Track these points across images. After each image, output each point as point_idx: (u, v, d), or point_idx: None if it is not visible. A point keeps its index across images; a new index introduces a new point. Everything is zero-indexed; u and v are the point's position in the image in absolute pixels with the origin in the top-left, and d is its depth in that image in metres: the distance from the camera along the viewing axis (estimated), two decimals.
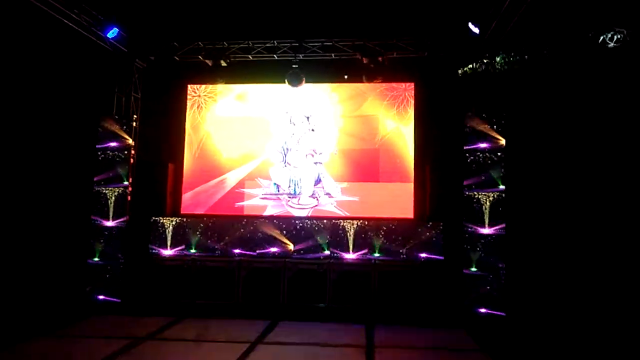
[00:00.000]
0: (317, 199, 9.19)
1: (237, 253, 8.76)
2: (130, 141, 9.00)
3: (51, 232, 9.03)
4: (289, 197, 9.27)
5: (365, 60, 8.68)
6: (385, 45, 8.68)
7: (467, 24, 7.81)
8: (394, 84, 9.25)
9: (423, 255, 8.38)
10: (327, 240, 8.58)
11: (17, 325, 7.02)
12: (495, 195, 8.01)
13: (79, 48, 8.63)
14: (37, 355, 6.02)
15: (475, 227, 8.03)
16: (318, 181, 9.22)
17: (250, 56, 9.15)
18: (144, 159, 9.32)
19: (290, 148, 9.39)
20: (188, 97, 9.75)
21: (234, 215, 9.18)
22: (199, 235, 8.86)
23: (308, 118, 9.42)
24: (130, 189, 8.93)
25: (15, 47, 8.38)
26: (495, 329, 7.39)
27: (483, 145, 8.16)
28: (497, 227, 7.95)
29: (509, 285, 7.87)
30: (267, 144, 9.46)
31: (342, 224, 8.64)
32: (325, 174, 9.23)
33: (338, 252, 8.55)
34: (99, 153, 8.91)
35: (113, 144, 8.94)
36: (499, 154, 8.10)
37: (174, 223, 8.95)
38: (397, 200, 8.99)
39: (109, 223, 8.76)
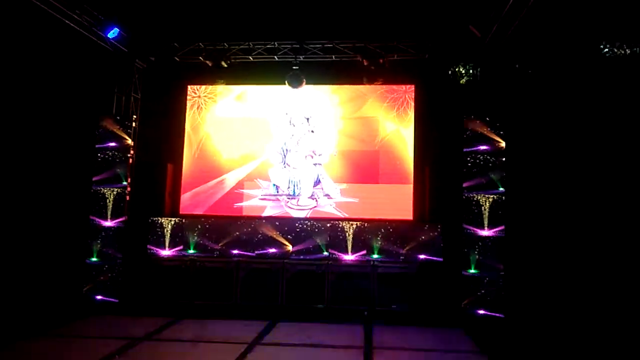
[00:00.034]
0: (316, 200, 9.18)
1: (235, 254, 8.73)
2: (130, 141, 9.00)
3: (49, 232, 9.01)
4: (288, 198, 9.26)
5: (365, 62, 8.69)
6: (385, 48, 8.70)
7: (468, 27, 7.83)
8: (394, 86, 9.27)
9: (422, 256, 8.37)
10: (326, 242, 8.57)
11: (14, 325, 6.98)
12: (494, 198, 8.02)
13: (80, 48, 8.64)
14: (34, 355, 5.99)
15: (475, 229, 8.04)
16: (317, 182, 9.22)
17: (250, 57, 9.16)
18: (143, 159, 9.31)
19: (289, 149, 9.39)
20: (188, 97, 9.75)
21: (233, 216, 9.17)
22: (197, 236, 8.84)
23: (308, 119, 9.42)
24: (129, 189, 8.92)
25: (15, 46, 8.39)
26: (493, 330, 7.37)
27: (483, 147, 8.18)
28: (496, 229, 7.96)
29: (508, 287, 7.86)
30: (267, 145, 9.46)
31: (341, 225, 8.63)
32: (325, 175, 9.23)
33: (337, 253, 8.53)
34: (98, 153, 8.90)
35: (112, 144, 8.93)
36: (498, 156, 8.10)
37: (172, 223, 8.93)
38: (397, 202, 8.99)
39: (108, 223, 8.74)
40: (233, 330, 7.30)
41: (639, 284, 6.94)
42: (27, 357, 5.93)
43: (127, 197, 8.88)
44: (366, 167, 9.19)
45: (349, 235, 8.54)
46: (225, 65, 9.01)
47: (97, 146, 8.92)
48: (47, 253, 8.90)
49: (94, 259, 8.66)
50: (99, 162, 8.88)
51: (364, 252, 8.49)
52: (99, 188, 8.82)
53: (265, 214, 9.23)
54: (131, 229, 8.94)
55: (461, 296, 8.01)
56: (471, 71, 8.27)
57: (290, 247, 8.66)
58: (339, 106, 9.43)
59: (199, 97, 9.74)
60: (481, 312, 7.85)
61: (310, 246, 8.60)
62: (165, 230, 8.89)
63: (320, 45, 8.90)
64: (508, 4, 6.97)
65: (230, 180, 9.45)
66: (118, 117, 9.03)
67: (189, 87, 9.76)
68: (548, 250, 8.00)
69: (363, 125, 9.31)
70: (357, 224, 8.60)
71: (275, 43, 8.93)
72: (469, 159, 8.22)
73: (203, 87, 9.72)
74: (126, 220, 8.83)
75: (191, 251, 8.81)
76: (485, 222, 7.99)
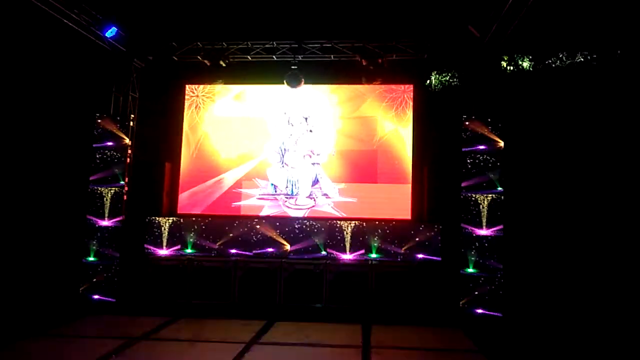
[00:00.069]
0: (314, 200, 9.17)
1: (233, 253, 8.71)
2: (127, 141, 8.97)
3: (46, 232, 8.98)
4: (286, 198, 9.24)
5: (364, 62, 8.70)
6: (384, 47, 8.70)
7: (467, 27, 7.84)
8: (393, 86, 9.27)
9: (420, 256, 8.36)
10: (324, 241, 8.56)
11: (11, 324, 6.93)
12: (493, 197, 8.02)
13: (78, 47, 8.63)
14: (30, 355, 5.94)
15: (473, 229, 8.03)
16: (315, 182, 9.21)
17: (249, 57, 9.15)
18: (141, 158, 9.28)
19: (288, 149, 9.38)
20: (186, 97, 9.73)
21: (231, 216, 9.14)
22: (195, 235, 8.81)
23: (306, 119, 9.41)
24: (126, 188, 8.87)
25: (13, 45, 8.37)
26: (492, 329, 7.37)
27: (481, 147, 8.18)
28: (494, 229, 7.95)
29: (506, 286, 7.86)
30: (265, 145, 9.45)
31: (339, 224, 8.62)
32: (323, 175, 9.21)
33: (335, 252, 8.52)
34: (96, 152, 8.87)
35: (110, 143, 8.90)
36: (497, 156, 8.10)
37: (170, 223, 8.90)
38: (395, 202, 8.98)
39: (105, 222, 8.71)
40: (231, 329, 7.27)
41: (637, 282, 6.95)
42: (25, 357, 5.88)
43: (125, 197, 8.84)
44: (364, 167, 9.18)
45: (347, 234, 8.53)
46: (224, 65, 9.01)
47: (94, 145, 8.89)
48: (44, 253, 8.87)
49: (91, 259, 8.63)
50: (96, 161, 8.84)
51: (362, 251, 8.48)
52: (96, 187, 8.78)
53: (263, 213, 9.21)
54: (128, 228, 8.91)
55: (459, 295, 8.00)
56: (478, 72, 8.29)
57: (288, 247, 8.64)
58: (338, 106, 9.43)
59: (197, 96, 9.72)
60: (479, 311, 7.84)
61: (309, 246, 8.58)
62: (163, 229, 8.86)
63: (319, 45, 8.89)
64: (507, 4, 6.97)
65: (228, 179, 9.43)
66: (116, 117, 9.00)
67: (187, 86, 9.74)
68: (546, 249, 8.01)
69: (361, 125, 9.31)
70: (355, 224, 8.59)
71: (274, 43, 8.92)
72: (467, 158, 8.21)
73: (201, 86, 9.71)
74: (124, 219, 8.79)
75: (189, 250, 8.79)
76: (484, 222, 7.98)
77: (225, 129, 9.58)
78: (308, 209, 9.15)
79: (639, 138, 7.67)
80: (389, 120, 9.25)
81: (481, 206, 8.03)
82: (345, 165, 9.23)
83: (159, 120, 9.61)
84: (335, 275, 8.42)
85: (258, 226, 8.77)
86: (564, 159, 8.19)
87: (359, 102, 9.38)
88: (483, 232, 7.99)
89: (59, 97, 9.18)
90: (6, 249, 8.54)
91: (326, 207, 9.13)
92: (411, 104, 9.21)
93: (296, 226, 8.73)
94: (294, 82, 8.71)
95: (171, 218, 9.00)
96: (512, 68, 8.37)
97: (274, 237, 8.69)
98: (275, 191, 9.28)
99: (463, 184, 8.19)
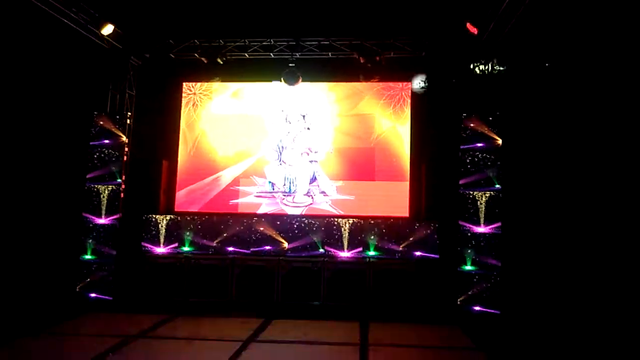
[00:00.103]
0: (312, 198, 9.15)
1: (231, 251, 8.69)
2: (124, 138, 8.93)
3: (43, 230, 8.93)
4: (284, 196, 9.22)
5: (362, 60, 8.67)
6: (382, 45, 8.68)
7: (465, 25, 7.83)
8: (390, 83, 9.26)
9: (418, 253, 8.36)
10: (321, 239, 8.54)
11: (8, 323, 6.89)
12: (490, 195, 8.02)
13: (74, 45, 8.57)
14: (28, 353, 5.92)
15: (471, 226, 8.04)
16: (313, 179, 9.19)
17: (246, 54, 9.12)
18: (138, 156, 9.25)
19: (285, 146, 9.36)
20: (183, 94, 9.70)
21: (228, 213, 9.12)
22: (192, 233, 8.78)
23: (304, 116, 9.39)
24: (123, 186, 8.85)
25: (9, 43, 8.32)
26: (489, 326, 7.37)
27: (479, 144, 8.18)
28: (492, 226, 7.96)
29: (504, 284, 7.86)
30: (263, 142, 9.42)
31: (337, 222, 8.60)
32: (321, 173, 9.20)
33: (333, 250, 8.51)
34: (93, 150, 8.83)
35: (107, 141, 8.86)
36: (495, 153, 8.11)
37: (167, 221, 8.88)
38: (393, 199, 8.97)
39: (102, 220, 8.68)
40: (228, 327, 7.26)
41: (634, 280, 6.96)
42: (23, 355, 5.85)
43: (122, 195, 8.81)
44: (362, 165, 9.17)
45: (344, 232, 8.52)
46: (221, 62, 8.97)
47: (91, 143, 8.85)
48: (40, 251, 8.81)
49: (88, 257, 8.60)
50: (93, 159, 8.81)
51: (360, 249, 8.47)
52: (93, 185, 8.75)
53: (261, 211, 9.19)
54: (125, 226, 8.88)
55: (457, 293, 8.01)
56: (476, 70, 8.29)
57: (285, 244, 8.63)
58: (335, 103, 9.41)
59: (195, 94, 9.69)
60: (477, 308, 7.85)
61: (306, 243, 8.57)
62: (160, 227, 8.83)
63: (316, 43, 8.87)
64: (505, 2, 6.97)
65: (225, 177, 9.40)
66: (113, 114, 8.97)
67: (184, 84, 9.70)
68: (544, 246, 8.00)
69: (359, 123, 9.30)
70: (353, 221, 8.58)
71: (271, 40, 8.89)
72: (465, 156, 8.22)
73: (198, 84, 9.68)
74: (120, 217, 8.77)
75: (186, 248, 8.76)
76: (482, 219, 7.99)
77: (222, 126, 9.56)
78: (306, 206, 9.14)
79: (636, 137, 7.67)
80: (387, 117, 9.24)
81: (479, 203, 8.04)
82: (343, 162, 9.22)
83: (156, 118, 9.58)
84: (333, 273, 8.40)
85: (256, 224, 8.76)
86: (562, 156, 8.18)
87: (357, 100, 9.36)
88: (481, 229, 8.00)
89: (56, 95, 9.13)
90: (3, 247, 8.49)
91: (324, 205, 9.11)
92: (409, 101, 9.20)
93: (294, 224, 8.71)
94: (291, 80, 8.68)
95: (168, 216, 8.98)
96: (509, 65, 8.36)
97: (272, 234, 8.67)
98: (273, 189, 9.26)
99: (461, 182, 8.19)
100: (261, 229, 8.70)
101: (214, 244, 8.74)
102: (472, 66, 8.57)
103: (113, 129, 8.87)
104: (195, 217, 8.96)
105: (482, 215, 7.99)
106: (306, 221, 8.72)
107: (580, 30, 7.57)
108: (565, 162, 8.12)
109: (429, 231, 8.38)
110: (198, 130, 9.59)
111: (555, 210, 8.07)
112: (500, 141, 8.13)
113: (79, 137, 9.06)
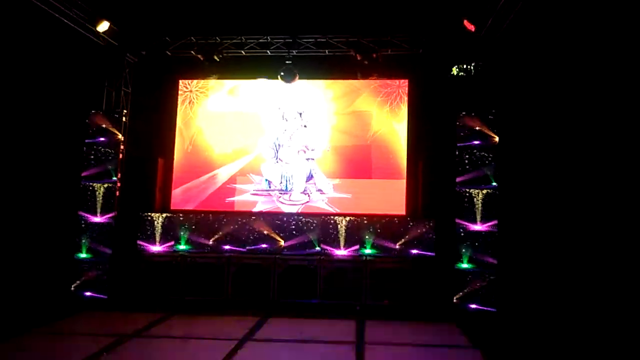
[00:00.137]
0: (308, 196, 9.12)
1: (227, 249, 8.65)
2: (120, 136, 8.89)
3: (37, 228, 8.89)
4: (280, 193, 9.19)
5: (359, 57, 8.64)
6: (379, 42, 8.65)
7: (462, 21, 7.79)
8: (387, 81, 9.22)
9: (414, 251, 8.33)
10: (318, 237, 8.52)
11: (0, 322, 6.84)
12: (487, 192, 8.00)
13: (69, 41, 8.51)
14: (20, 352, 5.87)
15: (467, 224, 8.02)
16: (310, 177, 9.16)
17: (243, 52, 9.08)
18: (134, 154, 9.21)
19: (282, 144, 9.32)
20: (179, 92, 9.64)
21: (224, 211, 9.07)
22: (188, 231, 8.74)
23: (301, 114, 9.35)
24: (119, 184, 8.80)
25: (2, 39, 8.25)
26: (486, 324, 7.36)
27: (476, 142, 8.15)
28: (489, 224, 7.94)
29: (500, 282, 7.85)
30: (259, 140, 9.38)
31: (333, 220, 8.58)
32: (317, 171, 9.17)
33: (329, 248, 8.48)
34: (88, 148, 8.78)
35: (102, 139, 8.82)
36: (492, 151, 8.08)
37: (163, 219, 8.83)
38: (389, 197, 8.94)
39: (97, 219, 8.63)
40: (224, 326, 7.23)
41: (631, 278, 6.95)
42: (13, 354, 5.79)
43: (117, 193, 8.77)
44: (359, 162, 9.14)
45: (341, 230, 8.49)
46: (217, 60, 8.94)
47: (86, 141, 8.80)
48: (35, 249, 8.77)
49: (83, 255, 8.55)
50: (88, 157, 8.76)
51: (357, 247, 8.44)
52: (88, 183, 8.71)
53: (257, 209, 9.15)
54: (121, 224, 8.83)
55: (453, 291, 7.98)
56: (473, 67, 8.26)
57: (282, 243, 8.60)
58: (332, 101, 9.37)
59: (191, 91, 9.64)
60: (473, 306, 7.83)
61: (303, 241, 8.54)
62: (156, 225, 8.79)
63: (313, 40, 8.83)
64: None
65: (222, 175, 9.36)
66: (109, 112, 8.91)
67: (180, 81, 9.65)
68: (540, 244, 8.00)
69: (356, 120, 9.26)
70: (349, 219, 8.55)
71: (268, 37, 8.85)
72: (462, 153, 8.19)
73: (195, 81, 9.62)
74: (116, 215, 8.72)
75: (182, 247, 8.72)
76: (478, 217, 7.97)
77: (219, 124, 9.51)
78: (302, 204, 9.11)
79: (634, 136, 7.66)
80: (384, 115, 9.20)
81: (476, 201, 8.02)
82: (340, 160, 9.18)
83: (152, 116, 9.52)
84: (329, 271, 8.38)
85: (252, 222, 8.72)
86: (559, 154, 8.16)
87: (354, 97, 9.33)
88: (477, 227, 7.98)
89: (51, 93, 9.07)
90: None
91: (320, 203, 9.08)
92: (406, 99, 9.17)
93: (290, 222, 8.68)
94: (288, 77, 8.63)
95: (164, 214, 8.93)
96: (506, 63, 8.33)
97: (268, 232, 8.64)
98: (270, 187, 9.22)
99: (458, 179, 8.17)
100: (257, 227, 8.67)
101: (210, 242, 8.70)
102: (469, 63, 8.54)
103: (109, 127, 8.82)
104: (191, 215, 8.92)
105: (478, 213, 7.98)
106: (303, 219, 8.69)
107: (579, 27, 7.54)
108: (562, 160, 8.11)
109: (425, 229, 8.36)
110: (194, 128, 9.54)
111: (551, 208, 8.06)
112: (497, 139, 8.11)
113: (74, 134, 9.01)
